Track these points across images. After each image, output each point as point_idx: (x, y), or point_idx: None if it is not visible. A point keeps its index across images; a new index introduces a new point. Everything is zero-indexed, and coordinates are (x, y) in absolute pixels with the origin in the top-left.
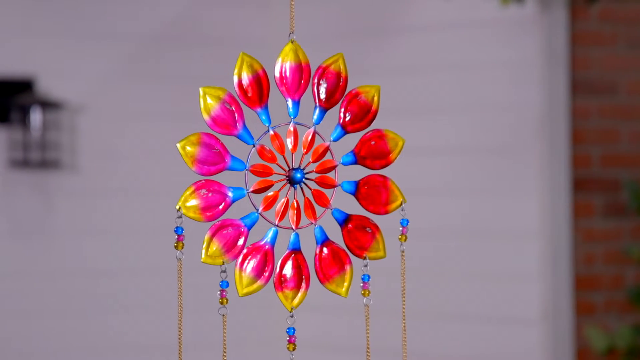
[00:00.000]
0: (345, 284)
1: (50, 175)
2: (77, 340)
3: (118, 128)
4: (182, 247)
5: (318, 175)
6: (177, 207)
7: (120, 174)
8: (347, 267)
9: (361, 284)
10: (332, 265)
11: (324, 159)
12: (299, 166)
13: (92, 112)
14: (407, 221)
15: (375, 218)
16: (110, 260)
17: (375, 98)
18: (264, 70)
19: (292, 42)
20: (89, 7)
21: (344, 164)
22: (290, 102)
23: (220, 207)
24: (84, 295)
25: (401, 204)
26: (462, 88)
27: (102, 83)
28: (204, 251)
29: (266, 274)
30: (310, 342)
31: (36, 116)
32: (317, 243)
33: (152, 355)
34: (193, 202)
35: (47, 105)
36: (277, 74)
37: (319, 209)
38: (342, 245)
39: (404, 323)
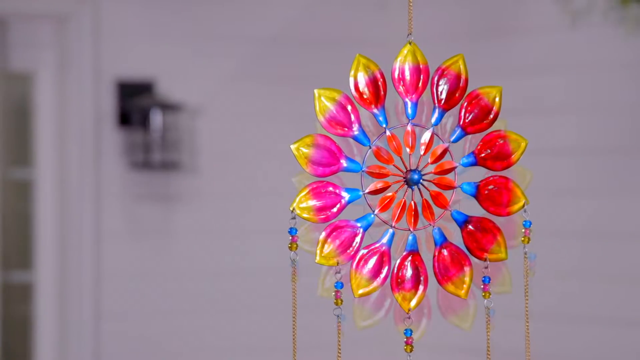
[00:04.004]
0: (465, 285)
1: (170, 176)
2: (194, 340)
3: (236, 129)
4: (296, 248)
5: (436, 176)
6: (291, 208)
7: (237, 175)
8: (467, 269)
9: (482, 286)
10: (452, 266)
11: (443, 160)
12: (417, 167)
13: (210, 114)
14: (530, 223)
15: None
16: (228, 260)
17: (497, 99)
18: (380, 72)
19: (410, 44)
20: (207, 10)
21: (464, 165)
22: (408, 103)
23: (335, 209)
24: (202, 295)
25: (523, 206)
26: (582, 89)
27: (220, 84)
28: (318, 252)
29: (382, 275)
30: (427, 343)
31: (156, 118)
32: (435, 244)
33: (265, 355)
34: (308, 203)
35: (167, 107)
36: (395, 75)
37: (437, 211)
38: (462, 246)
39: (527, 325)
